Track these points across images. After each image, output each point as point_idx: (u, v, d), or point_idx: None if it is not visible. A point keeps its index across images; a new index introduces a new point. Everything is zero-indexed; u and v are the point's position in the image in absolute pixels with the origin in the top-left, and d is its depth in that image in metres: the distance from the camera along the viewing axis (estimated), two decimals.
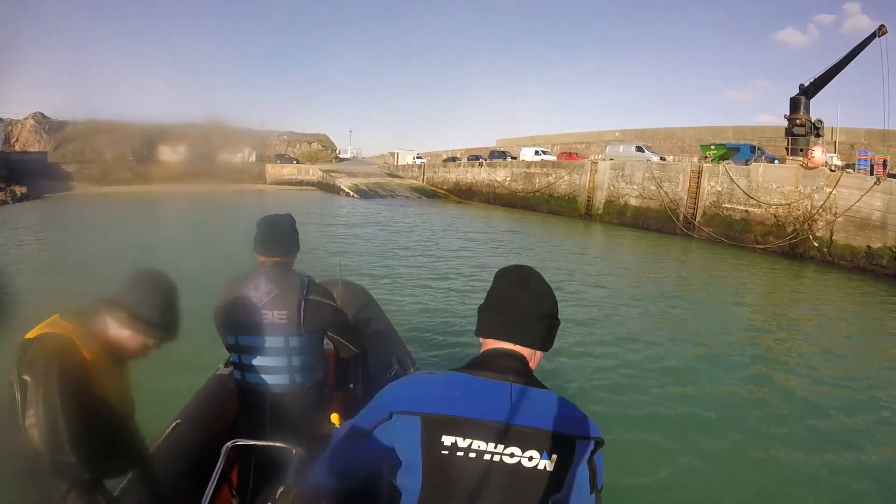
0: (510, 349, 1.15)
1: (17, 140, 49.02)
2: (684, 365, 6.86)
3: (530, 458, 1.04)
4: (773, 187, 19.62)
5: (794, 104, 21.62)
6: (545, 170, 31.57)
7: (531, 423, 1.05)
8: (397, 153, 60.84)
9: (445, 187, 40.99)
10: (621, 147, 32.01)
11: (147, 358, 1.57)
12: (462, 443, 1.04)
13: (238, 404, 2.33)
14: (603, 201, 26.53)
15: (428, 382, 1.14)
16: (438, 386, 1.11)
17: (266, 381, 2.18)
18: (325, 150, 64.62)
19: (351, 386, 2.92)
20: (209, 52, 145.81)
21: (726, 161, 23.46)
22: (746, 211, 20.37)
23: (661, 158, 29.10)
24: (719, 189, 21.52)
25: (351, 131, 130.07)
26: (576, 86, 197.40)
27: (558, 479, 1.06)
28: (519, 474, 1.05)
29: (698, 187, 22.14)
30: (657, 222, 23.38)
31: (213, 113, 64.95)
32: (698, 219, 21.83)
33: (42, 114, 51.29)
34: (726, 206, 21.14)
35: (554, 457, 1.05)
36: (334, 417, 2.18)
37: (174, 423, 2.30)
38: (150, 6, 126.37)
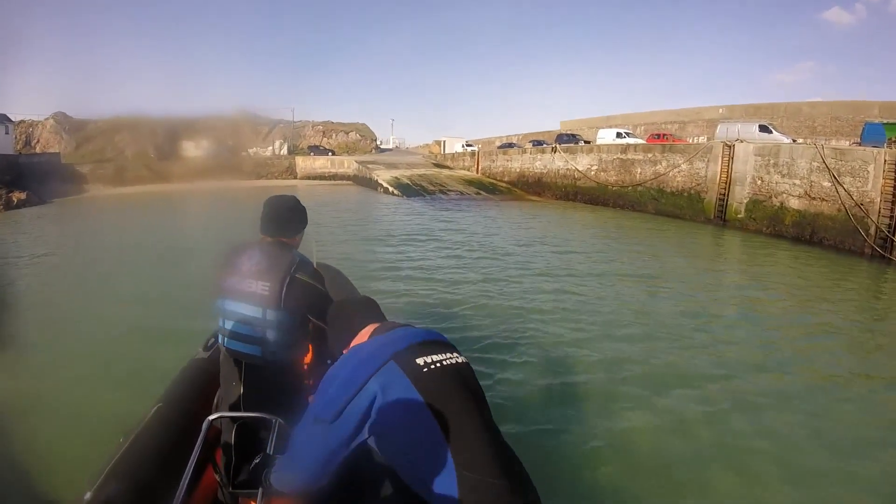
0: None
1: (38, 142, 45.59)
2: None
3: (458, 358, 1.50)
4: None
5: None
6: (650, 155, 24.04)
7: (440, 337, 1.56)
8: (444, 141, 54.83)
9: (506, 179, 34.23)
10: (738, 126, 24.84)
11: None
12: (428, 359, 1.40)
13: (220, 374, 2.32)
14: (745, 201, 18.99)
15: (371, 344, 1.48)
16: (382, 339, 1.47)
17: (239, 349, 2.19)
18: (363, 139, 58.86)
19: None
20: (244, 42, 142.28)
21: None
22: None
23: (793, 141, 22.03)
24: None
25: (393, 120, 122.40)
26: (613, 67, 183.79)
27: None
28: (462, 369, 1.47)
29: None
30: (833, 235, 15.90)
31: (242, 104, 60.07)
32: None
33: (64, 113, 47.67)
34: None
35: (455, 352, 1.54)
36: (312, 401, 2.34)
37: (156, 407, 2.48)
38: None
